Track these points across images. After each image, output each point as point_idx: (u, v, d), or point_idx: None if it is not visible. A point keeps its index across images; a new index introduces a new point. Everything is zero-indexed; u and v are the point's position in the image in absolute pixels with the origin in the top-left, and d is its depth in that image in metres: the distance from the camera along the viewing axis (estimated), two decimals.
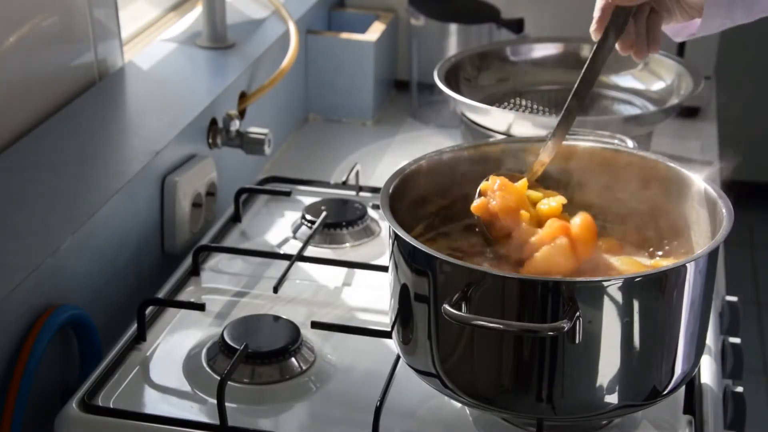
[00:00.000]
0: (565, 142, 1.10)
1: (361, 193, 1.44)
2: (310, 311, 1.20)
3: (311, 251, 1.30)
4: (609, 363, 0.93)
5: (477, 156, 1.13)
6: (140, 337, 1.14)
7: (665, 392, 0.98)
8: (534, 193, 1.05)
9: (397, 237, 0.97)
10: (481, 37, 1.74)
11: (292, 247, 1.32)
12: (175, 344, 1.14)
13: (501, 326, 0.89)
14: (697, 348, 1.00)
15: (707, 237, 1.03)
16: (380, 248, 1.33)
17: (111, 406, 1.04)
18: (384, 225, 1.37)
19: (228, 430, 1.01)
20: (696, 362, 1.01)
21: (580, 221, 1.01)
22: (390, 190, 1.04)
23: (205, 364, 1.10)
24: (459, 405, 1.06)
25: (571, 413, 0.96)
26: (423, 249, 0.95)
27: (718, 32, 1.11)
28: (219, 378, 1.02)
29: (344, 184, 1.46)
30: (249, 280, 1.26)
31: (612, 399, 0.95)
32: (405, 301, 0.99)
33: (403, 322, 1.00)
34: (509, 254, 1.03)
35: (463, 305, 0.91)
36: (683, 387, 1.06)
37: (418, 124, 1.78)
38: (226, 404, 1.01)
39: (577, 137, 1.15)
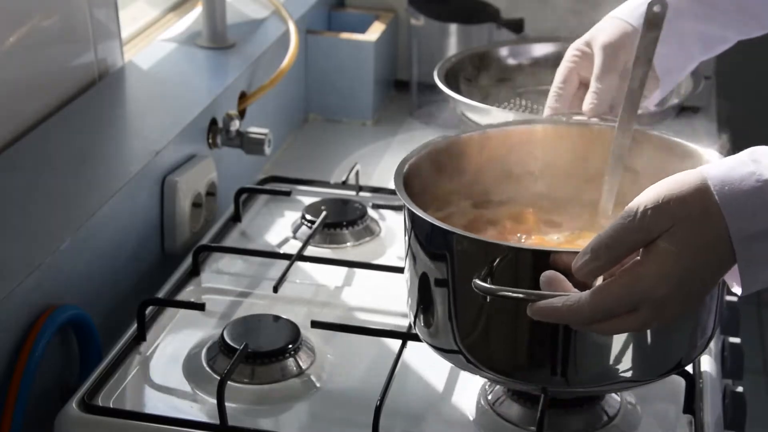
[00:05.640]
0: (575, 122, 1.12)
1: (361, 193, 1.44)
2: (310, 311, 1.20)
3: (311, 251, 1.30)
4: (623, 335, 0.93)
5: (485, 139, 1.13)
6: (140, 337, 1.14)
7: (681, 365, 0.98)
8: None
9: (414, 219, 0.97)
10: (481, 37, 1.74)
11: (292, 247, 1.31)
12: (175, 344, 1.14)
13: (522, 295, 0.89)
14: (714, 320, 0.99)
15: None
16: (380, 248, 1.33)
17: (111, 406, 1.04)
18: (384, 225, 1.37)
19: (228, 430, 1.01)
20: (711, 335, 1.00)
21: None
22: (404, 171, 1.04)
23: (205, 364, 1.10)
24: (459, 405, 1.06)
25: (585, 384, 0.96)
26: (442, 226, 0.95)
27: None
28: (219, 378, 1.02)
29: (344, 184, 1.46)
30: (249, 280, 1.26)
31: (626, 367, 0.95)
32: (425, 287, 0.99)
33: (424, 309, 1.00)
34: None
35: (488, 280, 0.91)
36: (683, 388, 1.06)
37: (418, 124, 1.78)
38: (226, 404, 1.01)
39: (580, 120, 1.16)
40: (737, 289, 0.87)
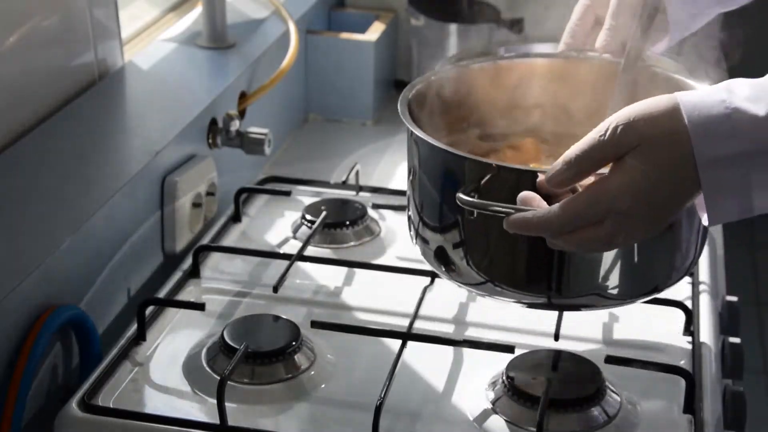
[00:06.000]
0: (586, 58, 1.15)
1: (361, 193, 1.44)
2: (310, 311, 1.20)
3: (311, 251, 1.30)
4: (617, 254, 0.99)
5: (495, 70, 1.15)
6: (140, 337, 1.14)
7: (657, 290, 1.03)
8: None
9: (415, 141, 1.03)
10: (481, 37, 1.74)
11: (292, 247, 1.31)
12: (175, 344, 1.14)
13: (502, 209, 0.93)
14: (693, 253, 1.03)
15: None
16: (380, 248, 1.33)
17: (111, 406, 1.04)
18: (384, 225, 1.37)
19: (228, 430, 1.01)
20: (689, 268, 1.04)
21: None
22: (410, 97, 1.07)
23: (205, 364, 1.10)
24: (459, 405, 1.06)
25: (579, 295, 1.01)
26: (434, 143, 1.00)
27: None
28: (219, 378, 1.03)
29: (344, 184, 1.46)
30: (249, 280, 1.26)
31: (613, 284, 1.00)
32: (442, 255, 1.03)
33: (445, 263, 1.04)
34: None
35: (475, 197, 0.95)
36: (683, 388, 1.06)
37: None
38: (226, 404, 1.01)
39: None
40: (705, 220, 0.90)
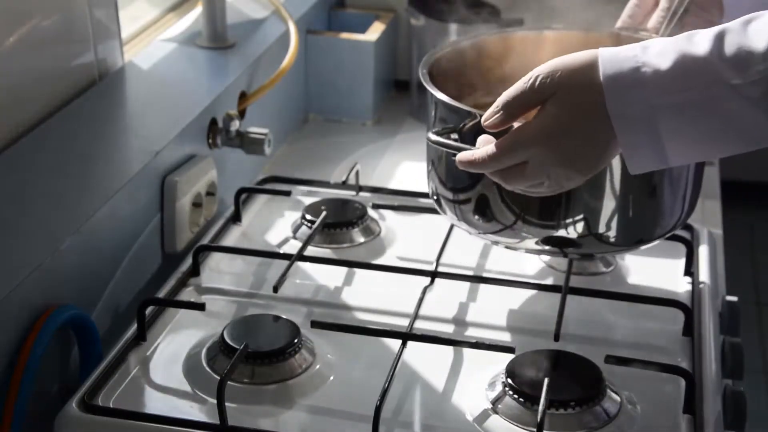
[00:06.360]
0: (632, 35, 1.22)
1: (361, 193, 1.44)
2: (310, 311, 1.20)
3: (311, 251, 1.30)
4: (610, 202, 1.12)
5: (540, 39, 1.24)
6: (140, 337, 1.14)
7: (643, 242, 1.16)
8: None
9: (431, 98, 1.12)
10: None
11: (292, 247, 1.31)
12: (175, 344, 1.14)
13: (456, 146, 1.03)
14: (681, 213, 1.15)
15: None
16: (380, 248, 1.33)
17: (111, 406, 1.04)
18: (384, 225, 1.37)
19: (228, 430, 1.01)
20: (675, 226, 1.16)
21: None
22: (435, 57, 1.16)
23: (205, 364, 1.10)
24: (459, 405, 1.06)
25: (575, 222, 1.12)
26: (434, 92, 1.11)
27: None
28: (219, 378, 1.03)
29: (344, 184, 1.46)
30: (249, 280, 1.26)
31: (612, 234, 1.13)
32: (483, 203, 1.13)
33: (484, 216, 1.14)
34: None
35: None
36: (683, 388, 1.06)
37: (418, 124, 1.78)
38: (226, 404, 1.01)
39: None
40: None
